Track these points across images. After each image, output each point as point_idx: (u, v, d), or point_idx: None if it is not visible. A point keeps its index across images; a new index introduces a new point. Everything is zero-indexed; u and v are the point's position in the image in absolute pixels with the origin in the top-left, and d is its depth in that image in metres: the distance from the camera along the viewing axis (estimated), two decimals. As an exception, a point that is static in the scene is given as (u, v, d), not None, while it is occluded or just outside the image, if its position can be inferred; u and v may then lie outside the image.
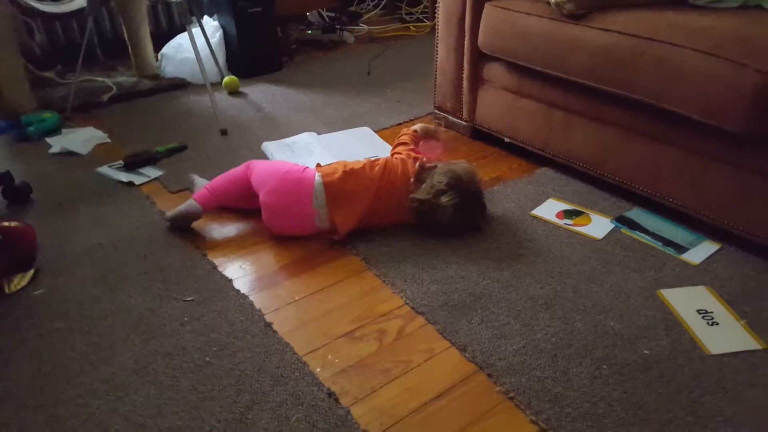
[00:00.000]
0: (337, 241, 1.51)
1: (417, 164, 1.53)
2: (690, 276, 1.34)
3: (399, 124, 2.21)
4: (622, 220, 1.54)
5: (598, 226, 1.53)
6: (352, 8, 3.61)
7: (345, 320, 1.27)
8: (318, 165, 1.59)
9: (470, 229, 1.53)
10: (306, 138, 2.08)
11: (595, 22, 1.50)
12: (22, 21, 2.62)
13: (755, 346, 1.14)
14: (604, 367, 1.12)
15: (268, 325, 1.26)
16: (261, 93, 2.56)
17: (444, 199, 1.46)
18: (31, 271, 1.42)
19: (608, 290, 1.31)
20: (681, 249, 1.42)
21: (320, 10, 3.32)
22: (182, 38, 2.69)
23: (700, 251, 1.41)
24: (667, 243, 1.45)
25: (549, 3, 1.58)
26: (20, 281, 1.40)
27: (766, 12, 1.45)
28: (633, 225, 1.52)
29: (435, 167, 1.53)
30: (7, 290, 1.37)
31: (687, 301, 1.26)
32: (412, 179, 1.51)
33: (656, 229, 1.50)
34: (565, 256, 1.43)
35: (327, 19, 3.34)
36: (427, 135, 1.76)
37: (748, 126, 1.25)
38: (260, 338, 1.22)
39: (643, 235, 1.48)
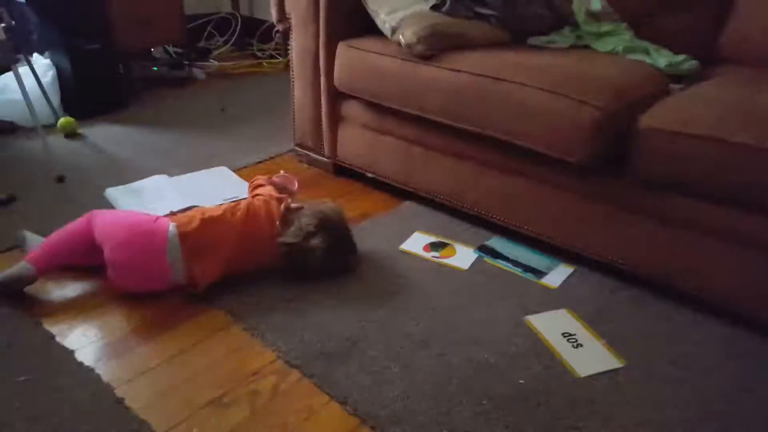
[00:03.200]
0: (197, 295, 1.33)
1: (282, 206, 1.42)
2: (551, 299, 1.37)
3: (258, 162, 2.07)
4: (484, 249, 1.55)
5: (464, 256, 1.52)
6: (201, 44, 3.40)
7: (210, 385, 1.11)
8: (172, 213, 1.41)
9: (342, 271, 1.44)
10: (156, 182, 1.86)
11: (445, 62, 1.51)
12: None
13: (617, 363, 1.17)
14: (485, 402, 1.08)
15: (120, 401, 1.06)
16: (103, 134, 2.27)
17: (314, 241, 1.36)
18: None
19: (479, 321, 1.29)
20: (540, 274, 1.45)
21: (166, 46, 3.09)
22: (7, 78, 2.31)
23: (558, 275, 1.45)
24: (527, 269, 1.47)
25: (400, 44, 1.57)
26: None
27: (594, 51, 1.56)
28: (495, 253, 1.54)
29: (302, 208, 1.42)
30: None
31: (552, 326, 1.27)
32: (277, 222, 1.39)
33: (516, 256, 1.52)
34: (436, 290, 1.39)
35: (174, 55, 3.11)
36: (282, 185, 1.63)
37: (588, 157, 1.31)
38: (111, 418, 1.02)
39: (504, 262, 1.50)
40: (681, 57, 1.50)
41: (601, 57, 1.51)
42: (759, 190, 1.13)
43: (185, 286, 1.34)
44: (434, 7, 1.62)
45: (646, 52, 1.51)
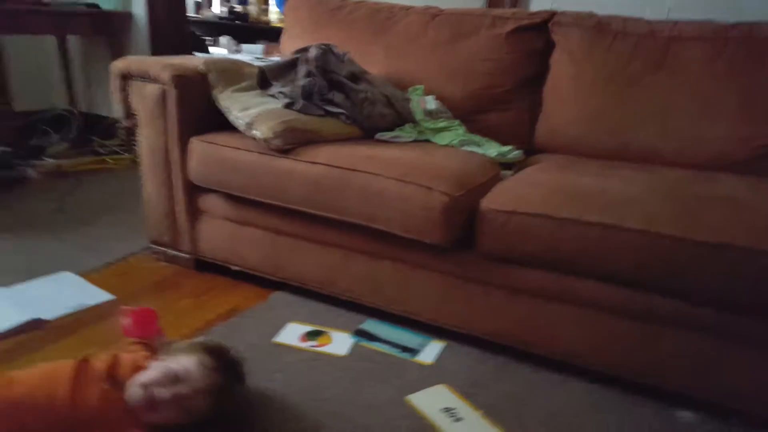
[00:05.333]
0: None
1: None
2: (428, 376, 1.35)
3: (109, 263, 1.83)
4: (360, 333, 1.51)
5: (340, 343, 1.46)
6: (33, 142, 3.02)
7: None
8: None
9: None
10: (-17, 297, 1.55)
11: (302, 155, 1.49)
12: None
13: (496, 432, 1.19)
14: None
15: None
16: None
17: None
18: None
19: (364, 407, 1.22)
20: (414, 352, 1.44)
21: (-11, 144, 2.69)
22: None
23: (431, 351, 1.45)
24: (403, 349, 1.45)
25: (256, 138, 1.53)
26: None
27: (433, 144, 1.66)
28: (370, 336, 1.50)
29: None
30: None
31: (432, 403, 1.25)
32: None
33: (390, 337, 1.50)
34: (317, 380, 1.30)
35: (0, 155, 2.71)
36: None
37: (442, 238, 1.35)
38: None
39: (380, 344, 1.46)
40: (507, 148, 1.66)
41: (440, 149, 1.61)
42: (585, 259, 1.26)
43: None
44: (287, 106, 1.61)
45: (478, 144, 1.65)
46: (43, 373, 1.01)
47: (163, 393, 1.00)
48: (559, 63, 1.80)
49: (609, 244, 1.22)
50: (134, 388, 1.01)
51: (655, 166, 1.61)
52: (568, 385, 1.36)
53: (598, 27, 1.76)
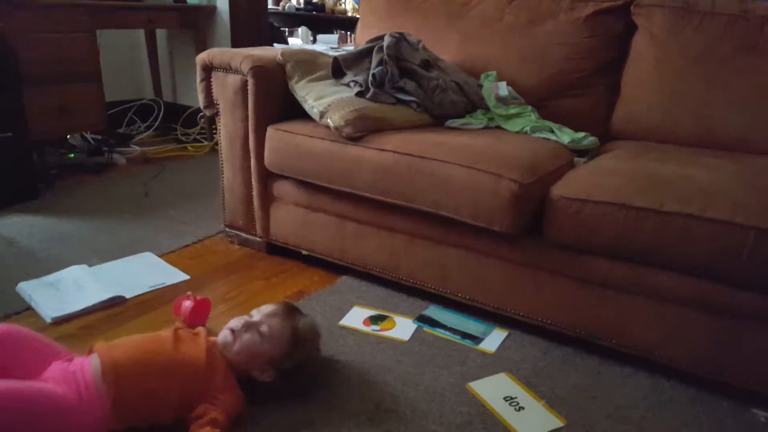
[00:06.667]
0: None
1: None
2: (490, 364, 1.39)
3: (186, 245, 2.00)
4: (422, 319, 1.57)
5: (403, 327, 1.53)
6: (121, 130, 3.33)
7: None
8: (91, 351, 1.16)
9: None
10: (74, 272, 1.73)
11: (371, 143, 1.57)
12: None
13: (558, 423, 1.20)
14: (438, 475, 1.06)
15: None
16: (14, 227, 2.11)
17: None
18: None
19: (425, 392, 1.28)
20: (477, 340, 1.48)
21: (83, 133, 2.99)
22: None
23: (494, 339, 1.48)
24: (465, 336, 1.50)
25: (329, 127, 1.62)
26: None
27: (505, 131, 1.69)
28: (433, 322, 1.56)
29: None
30: None
31: (493, 391, 1.29)
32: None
33: (453, 324, 1.55)
34: (379, 363, 1.38)
35: (92, 141, 3.01)
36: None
37: (510, 226, 1.38)
38: None
39: (442, 331, 1.52)
40: (582, 134, 1.66)
41: (512, 136, 1.64)
42: (662, 250, 1.24)
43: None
44: (359, 94, 1.70)
45: (551, 131, 1.66)
46: (145, 338, 1.20)
47: (240, 324, 1.23)
48: (641, 46, 1.77)
49: (689, 236, 1.20)
50: (221, 333, 1.24)
51: (741, 155, 1.55)
52: (636, 379, 1.36)
53: (685, 8, 1.71)
